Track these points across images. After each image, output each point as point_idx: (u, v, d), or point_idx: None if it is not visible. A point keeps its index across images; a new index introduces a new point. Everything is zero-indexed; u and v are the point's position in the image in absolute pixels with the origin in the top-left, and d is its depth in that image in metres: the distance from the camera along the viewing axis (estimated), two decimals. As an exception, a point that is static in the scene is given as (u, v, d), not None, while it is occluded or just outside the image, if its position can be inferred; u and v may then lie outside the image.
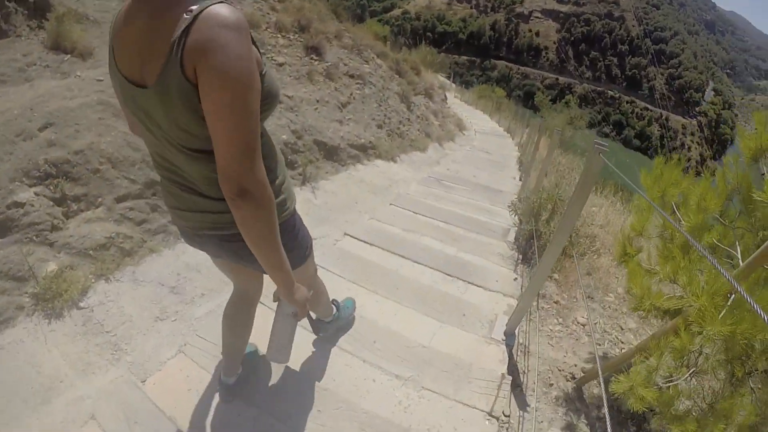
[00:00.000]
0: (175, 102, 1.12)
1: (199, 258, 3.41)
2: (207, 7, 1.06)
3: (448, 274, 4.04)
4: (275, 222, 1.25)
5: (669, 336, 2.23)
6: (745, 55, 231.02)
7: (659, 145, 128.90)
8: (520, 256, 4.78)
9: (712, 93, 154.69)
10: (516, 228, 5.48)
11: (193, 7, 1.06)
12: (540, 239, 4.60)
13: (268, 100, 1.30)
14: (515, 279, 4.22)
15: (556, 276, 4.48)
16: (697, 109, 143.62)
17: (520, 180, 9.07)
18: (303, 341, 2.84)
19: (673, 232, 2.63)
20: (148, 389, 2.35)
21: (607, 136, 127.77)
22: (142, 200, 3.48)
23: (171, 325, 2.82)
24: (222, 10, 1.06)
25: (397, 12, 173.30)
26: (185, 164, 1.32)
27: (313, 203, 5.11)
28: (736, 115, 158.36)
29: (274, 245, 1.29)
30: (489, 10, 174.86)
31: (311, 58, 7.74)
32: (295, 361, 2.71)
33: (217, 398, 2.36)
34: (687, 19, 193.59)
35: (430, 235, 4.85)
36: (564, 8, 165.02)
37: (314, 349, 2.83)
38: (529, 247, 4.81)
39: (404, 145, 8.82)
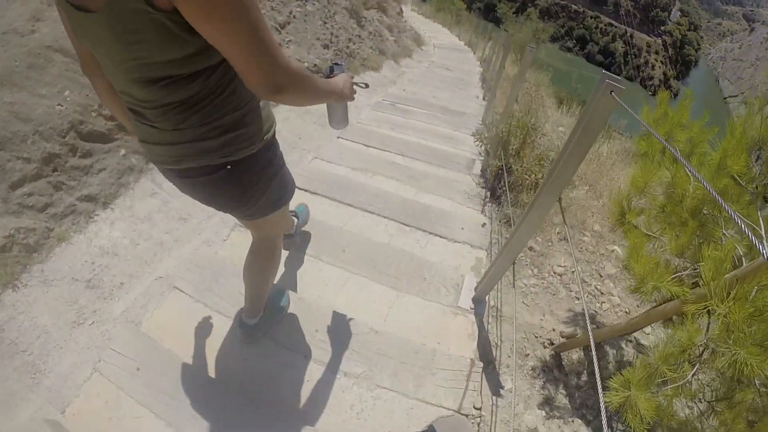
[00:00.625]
0: (129, 29, 0.99)
1: (115, 237, 2.93)
2: None
3: (406, 224, 3.44)
4: (315, 84, 1.25)
5: (675, 328, 1.77)
6: None
7: (623, 61, 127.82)
8: (488, 193, 4.21)
9: (679, 13, 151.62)
10: (483, 158, 4.88)
11: None
12: (510, 174, 4.02)
13: None
14: (483, 224, 3.65)
15: (528, 214, 3.97)
16: (662, 28, 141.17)
17: (484, 99, 8.38)
18: (226, 338, 2.31)
19: (685, 192, 2.06)
20: (68, 422, 1.89)
21: (570, 50, 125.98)
22: (42, 180, 2.88)
23: (88, 332, 2.33)
24: None
25: None
26: (138, 93, 1.20)
27: (248, 144, 4.36)
28: (702, 37, 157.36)
29: (324, 97, 1.34)
30: None
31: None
32: (218, 364, 2.18)
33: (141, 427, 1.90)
34: None
35: (384, 174, 4.20)
36: None
37: (241, 348, 2.26)
38: (497, 182, 4.24)
39: (355, 65, 7.94)
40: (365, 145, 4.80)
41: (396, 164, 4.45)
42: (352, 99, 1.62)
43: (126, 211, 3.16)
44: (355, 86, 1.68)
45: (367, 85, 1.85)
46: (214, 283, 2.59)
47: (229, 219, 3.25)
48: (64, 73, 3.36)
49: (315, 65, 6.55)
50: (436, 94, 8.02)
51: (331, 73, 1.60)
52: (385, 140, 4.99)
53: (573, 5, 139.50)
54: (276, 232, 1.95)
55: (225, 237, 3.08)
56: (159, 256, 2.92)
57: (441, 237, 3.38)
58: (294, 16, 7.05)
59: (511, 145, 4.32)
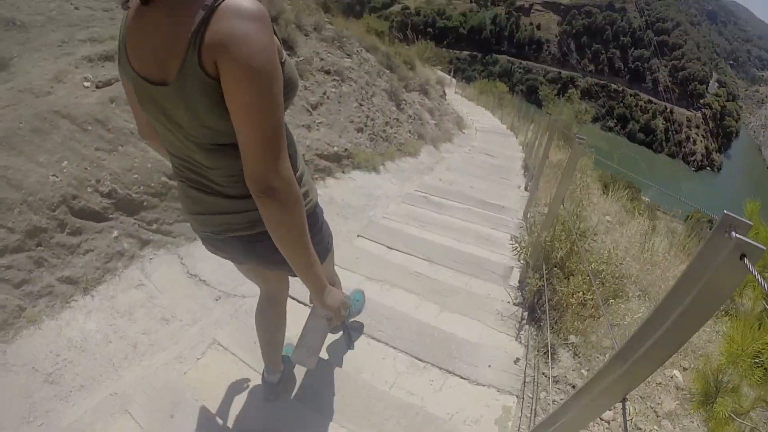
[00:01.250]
0: (196, 98, 1.09)
1: (88, 330, 2.68)
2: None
3: (420, 359, 2.80)
4: (304, 221, 1.21)
5: None
6: (748, 46, 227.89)
7: (664, 138, 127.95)
8: (526, 314, 3.58)
9: (716, 85, 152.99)
10: (522, 265, 4.26)
11: (210, 1, 1.01)
12: (554, 293, 3.41)
13: (289, 89, 1.23)
14: (517, 360, 2.99)
15: (572, 339, 3.31)
16: (701, 101, 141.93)
17: (527, 189, 7.84)
18: None
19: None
20: None
21: (611, 130, 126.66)
22: (23, 254, 2.68)
23: (34, 433, 2.07)
24: (240, 0, 1.02)
25: (396, 8, 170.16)
26: (207, 161, 1.27)
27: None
28: (741, 107, 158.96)
29: (302, 245, 1.25)
30: (489, 4, 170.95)
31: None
32: None
33: None
34: (688, 9, 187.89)
35: (404, 286, 3.60)
36: (564, 0, 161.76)
37: None
38: (537, 298, 3.62)
39: (391, 150, 7.59)
40: (387, 247, 4.26)
41: (420, 275, 3.83)
42: (337, 312, 1.47)
43: (106, 301, 2.89)
44: (343, 311, 1.51)
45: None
46: (168, 417, 2.16)
47: (208, 333, 2.84)
48: (67, 142, 3.22)
49: (346, 150, 6.22)
50: (474, 184, 7.49)
51: None
52: (411, 242, 4.44)
53: (612, 84, 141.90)
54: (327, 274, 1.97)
55: (199, 355, 2.63)
56: (129, 359, 2.61)
57: (461, 377, 2.72)
58: (327, 97, 6.82)
59: (555, 252, 3.72)
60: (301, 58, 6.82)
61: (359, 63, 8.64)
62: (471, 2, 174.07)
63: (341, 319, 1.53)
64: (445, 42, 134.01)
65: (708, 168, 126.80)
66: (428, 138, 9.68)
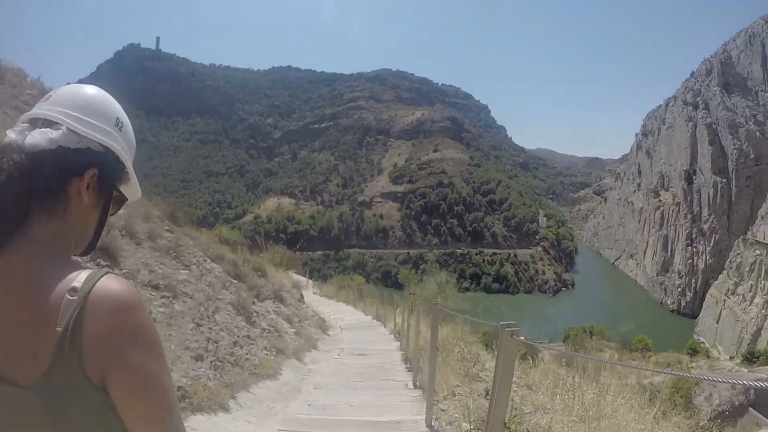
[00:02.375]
0: (69, 407, 0.86)
1: None
2: (94, 285, 0.86)
3: None
4: None
5: None
6: (560, 178, 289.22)
7: (517, 279, 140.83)
8: None
9: (545, 219, 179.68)
10: None
11: (75, 284, 0.86)
12: None
13: None
14: None
15: None
16: (537, 237, 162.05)
17: (416, 387, 6.60)
18: None
19: None
20: None
21: (468, 290, 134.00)
22: None
23: None
24: (113, 286, 0.88)
25: (249, 217, 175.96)
26: None
27: None
28: (571, 228, 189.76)
29: None
30: (334, 203, 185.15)
31: (97, 264, 5.18)
32: None
33: None
34: (504, 167, 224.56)
35: None
36: (400, 188, 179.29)
37: None
38: None
39: (243, 376, 5.99)
40: None
41: None
42: None
43: None
44: None
45: None
46: None
47: None
48: None
49: (179, 388, 4.59)
50: (354, 399, 6.03)
51: None
52: None
53: (458, 249, 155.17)
54: None
55: None
56: None
57: None
58: (155, 319, 5.30)
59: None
60: (125, 271, 5.56)
61: (199, 274, 7.55)
62: (317, 204, 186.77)
63: None
64: (297, 245, 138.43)
65: (564, 288, 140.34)
66: (289, 351, 8.28)
